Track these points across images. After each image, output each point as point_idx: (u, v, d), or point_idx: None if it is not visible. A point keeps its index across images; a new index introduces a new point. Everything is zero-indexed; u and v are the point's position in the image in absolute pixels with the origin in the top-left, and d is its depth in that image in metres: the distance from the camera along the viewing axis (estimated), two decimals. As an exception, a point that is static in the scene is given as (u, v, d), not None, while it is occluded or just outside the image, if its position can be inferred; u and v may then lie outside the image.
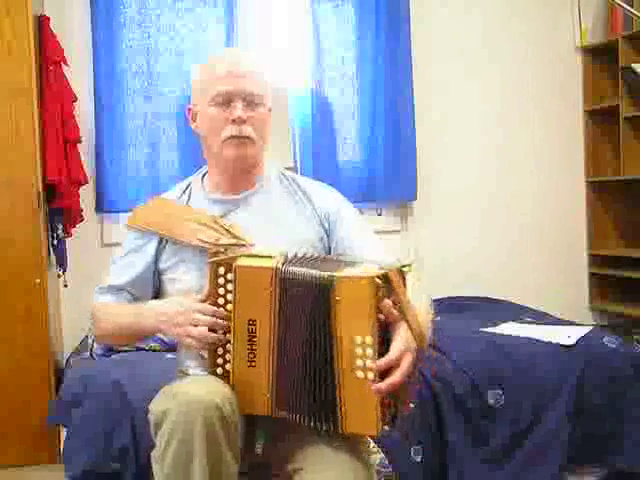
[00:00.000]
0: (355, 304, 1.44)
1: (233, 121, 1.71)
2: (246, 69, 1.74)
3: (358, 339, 1.44)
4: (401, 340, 1.45)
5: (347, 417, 1.47)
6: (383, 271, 1.45)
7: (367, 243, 1.77)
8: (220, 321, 1.55)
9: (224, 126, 1.73)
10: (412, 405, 1.49)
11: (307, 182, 1.88)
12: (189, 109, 1.83)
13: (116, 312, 1.76)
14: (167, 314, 1.62)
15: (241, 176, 1.80)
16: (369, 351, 1.43)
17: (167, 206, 1.83)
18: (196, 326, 1.56)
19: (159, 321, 1.63)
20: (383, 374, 1.43)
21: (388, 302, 1.45)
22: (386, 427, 1.46)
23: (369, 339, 1.43)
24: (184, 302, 1.60)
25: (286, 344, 1.52)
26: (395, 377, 1.42)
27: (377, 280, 1.43)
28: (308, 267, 1.51)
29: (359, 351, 1.44)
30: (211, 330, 1.55)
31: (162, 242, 1.78)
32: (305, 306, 1.50)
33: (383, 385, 1.41)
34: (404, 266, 1.50)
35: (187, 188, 1.85)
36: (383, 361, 1.42)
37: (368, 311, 1.43)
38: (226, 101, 1.72)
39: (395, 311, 1.46)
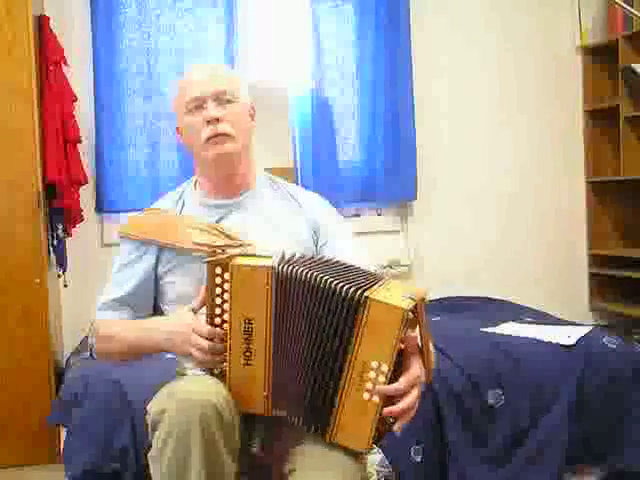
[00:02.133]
0: (381, 330, 1.43)
1: (208, 122, 1.74)
2: (210, 71, 1.80)
3: (374, 364, 1.44)
4: (414, 373, 1.47)
5: (340, 429, 1.49)
6: (413, 302, 1.44)
7: (353, 256, 1.75)
8: (217, 345, 1.54)
9: (201, 129, 1.75)
10: (398, 433, 1.51)
11: (295, 188, 1.91)
12: (177, 129, 1.86)
13: (119, 331, 1.76)
14: (168, 332, 1.62)
15: (231, 177, 1.81)
16: (382, 378, 1.44)
17: (160, 215, 1.83)
18: (194, 347, 1.55)
19: (163, 339, 1.64)
20: (387, 398, 1.45)
21: (415, 335, 1.47)
22: (374, 445, 1.50)
23: (385, 367, 1.44)
24: (183, 320, 1.59)
25: (284, 343, 1.52)
26: (398, 408, 1.45)
27: (409, 313, 1.43)
28: (313, 269, 1.50)
29: (372, 375, 1.45)
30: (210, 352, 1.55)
31: (160, 250, 1.78)
32: (311, 309, 1.49)
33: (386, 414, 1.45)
34: (425, 296, 1.50)
35: (180, 198, 1.86)
36: (393, 387, 1.45)
37: (393, 341, 1.43)
38: (198, 105, 1.75)
39: (417, 343, 1.48)
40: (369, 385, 1.45)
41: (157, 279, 1.80)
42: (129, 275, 1.80)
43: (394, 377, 1.46)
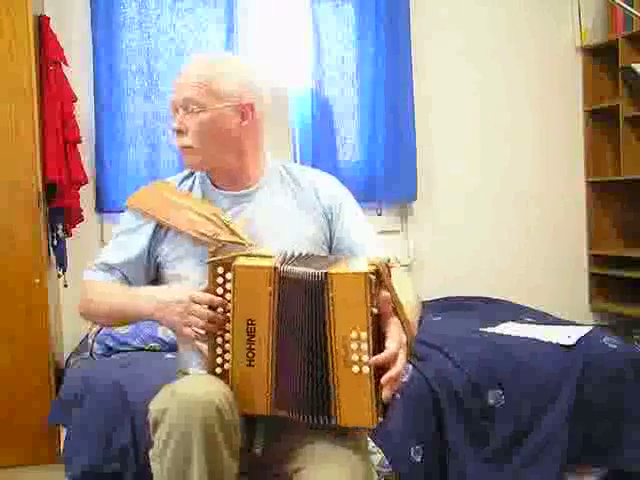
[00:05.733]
0: (349, 300, 1.46)
1: (173, 132, 1.75)
2: (186, 77, 1.74)
3: (353, 334, 1.46)
4: (396, 335, 1.48)
5: (343, 411, 1.49)
6: (374, 266, 1.48)
7: (368, 240, 1.79)
8: (219, 309, 1.54)
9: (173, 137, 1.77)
10: (398, 395, 1.55)
11: (311, 173, 1.88)
12: None
13: (110, 292, 1.74)
14: (165, 301, 1.61)
15: (224, 178, 1.79)
16: (364, 346, 1.46)
17: (168, 191, 1.81)
18: (193, 315, 1.55)
19: (157, 308, 1.62)
20: (378, 367, 1.46)
21: (385, 296, 1.48)
22: (380, 419, 1.49)
23: (364, 334, 1.45)
24: (183, 291, 1.59)
25: (285, 344, 1.52)
26: (393, 373, 1.45)
27: (370, 276, 1.45)
28: (305, 266, 1.52)
29: (354, 346, 1.46)
30: (210, 321, 1.55)
31: (160, 229, 1.76)
32: (302, 304, 1.51)
33: (389, 383, 1.44)
34: (389, 260, 1.54)
35: (192, 174, 1.84)
36: (382, 357, 1.45)
37: (362, 307, 1.45)
38: (174, 112, 1.76)
39: (390, 305, 1.49)
40: (355, 357, 1.46)
41: (160, 266, 1.78)
42: (124, 244, 1.78)
43: (377, 344, 1.47)
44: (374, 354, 1.45)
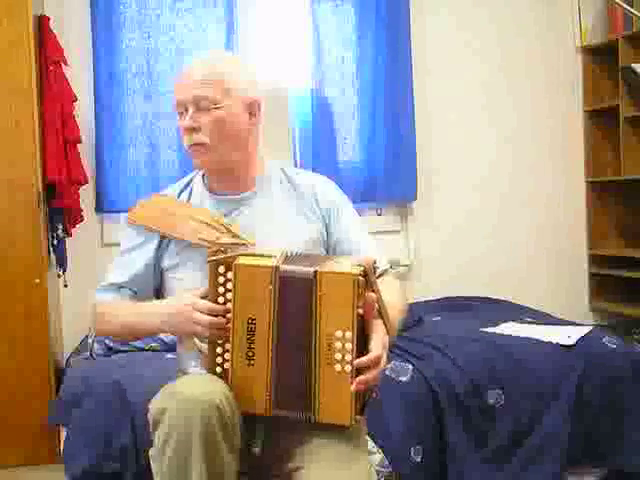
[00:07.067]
0: (337, 299, 1.49)
1: (185, 130, 1.73)
2: (195, 75, 1.72)
3: (338, 333, 1.49)
4: (380, 338, 1.52)
5: (322, 407, 1.52)
6: (362, 267, 1.50)
7: (365, 244, 1.81)
8: (218, 319, 1.55)
9: (183, 135, 1.75)
10: (375, 395, 1.58)
11: (309, 178, 1.89)
12: None
13: (118, 312, 1.76)
14: (167, 314, 1.63)
15: (228, 178, 1.80)
16: (348, 345, 1.48)
17: (168, 204, 1.83)
18: (197, 324, 1.57)
19: (161, 322, 1.65)
20: (359, 368, 1.49)
21: (372, 297, 1.51)
22: (358, 417, 1.52)
23: (349, 334, 1.48)
24: (182, 300, 1.61)
25: (284, 342, 1.53)
26: (372, 375, 1.49)
27: (359, 277, 1.48)
28: (302, 264, 1.53)
29: (339, 345, 1.49)
30: (212, 328, 1.56)
31: (163, 241, 1.78)
32: (296, 302, 1.52)
33: (362, 383, 1.48)
34: (375, 261, 1.57)
35: (188, 184, 1.86)
36: (365, 360, 1.48)
37: (349, 307, 1.48)
38: (181, 110, 1.74)
39: (375, 306, 1.52)
40: (338, 356, 1.49)
41: (161, 272, 1.80)
42: (129, 262, 1.80)
43: (360, 343, 1.49)
44: (357, 354, 1.48)
